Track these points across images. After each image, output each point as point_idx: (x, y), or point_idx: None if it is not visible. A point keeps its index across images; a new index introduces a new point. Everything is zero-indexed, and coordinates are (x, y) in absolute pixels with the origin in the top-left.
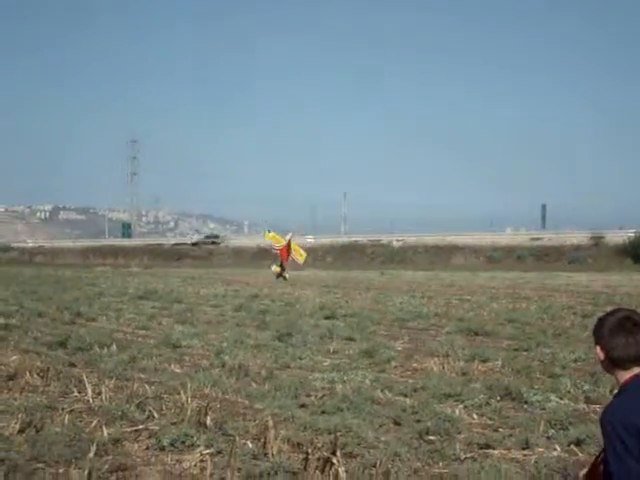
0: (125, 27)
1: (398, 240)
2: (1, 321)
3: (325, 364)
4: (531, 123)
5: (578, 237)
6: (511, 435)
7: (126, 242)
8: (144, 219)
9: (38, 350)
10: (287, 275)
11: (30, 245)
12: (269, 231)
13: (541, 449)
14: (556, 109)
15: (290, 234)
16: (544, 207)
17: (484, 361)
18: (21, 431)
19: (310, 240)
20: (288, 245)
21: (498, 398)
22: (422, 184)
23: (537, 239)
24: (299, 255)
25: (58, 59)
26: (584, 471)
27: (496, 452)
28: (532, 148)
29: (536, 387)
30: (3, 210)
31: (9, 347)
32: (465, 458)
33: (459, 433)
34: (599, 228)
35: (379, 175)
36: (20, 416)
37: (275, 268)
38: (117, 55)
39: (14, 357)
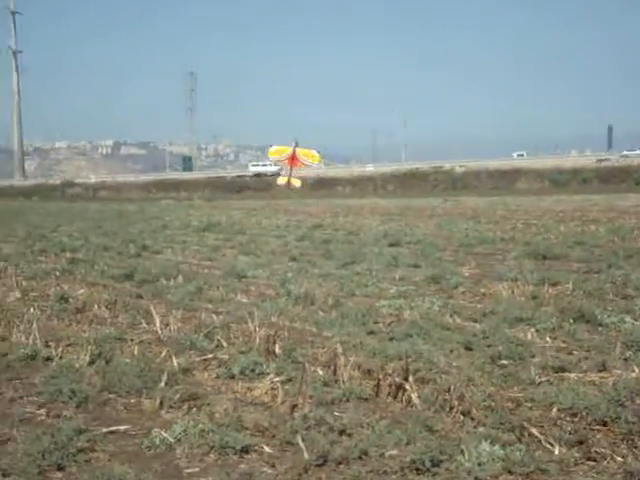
0: None
1: (461, 166)
2: (68, 255)
3: (391, 291)
4: (596, 42)
5: None
6: (587, 358)
7: (187, 175)
8: (204, 152)
9: (105, 283)
10: (298, 182)
11: (93, 181)
12: (271, 146)
13: (618, 371)
14: (621, 29)
15: (294, 142)
16: (610, 129)
17: (554, 284)
18: (91, 362)
19: (370, 169)
20: (294, 153)
21: (571, 321)
22: (484, 107)
23: (603, 161)
24: (311, 157)
25: None
26: None
27: (572, 375)
28: (597, 68)
29: (609, 309)
30: (65, 146)
31: (77, 280)
32: (540, 382)
33: (532, 357)
34: None
35: (439, 100)
36: (90, 348)
37: (281, 180)
38: None
39: (82, 290)
